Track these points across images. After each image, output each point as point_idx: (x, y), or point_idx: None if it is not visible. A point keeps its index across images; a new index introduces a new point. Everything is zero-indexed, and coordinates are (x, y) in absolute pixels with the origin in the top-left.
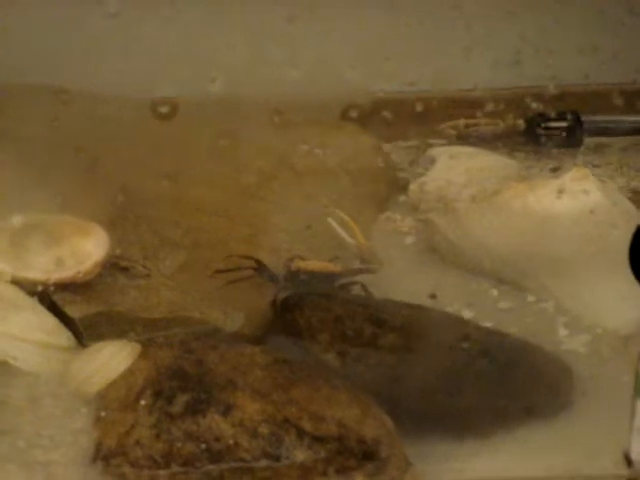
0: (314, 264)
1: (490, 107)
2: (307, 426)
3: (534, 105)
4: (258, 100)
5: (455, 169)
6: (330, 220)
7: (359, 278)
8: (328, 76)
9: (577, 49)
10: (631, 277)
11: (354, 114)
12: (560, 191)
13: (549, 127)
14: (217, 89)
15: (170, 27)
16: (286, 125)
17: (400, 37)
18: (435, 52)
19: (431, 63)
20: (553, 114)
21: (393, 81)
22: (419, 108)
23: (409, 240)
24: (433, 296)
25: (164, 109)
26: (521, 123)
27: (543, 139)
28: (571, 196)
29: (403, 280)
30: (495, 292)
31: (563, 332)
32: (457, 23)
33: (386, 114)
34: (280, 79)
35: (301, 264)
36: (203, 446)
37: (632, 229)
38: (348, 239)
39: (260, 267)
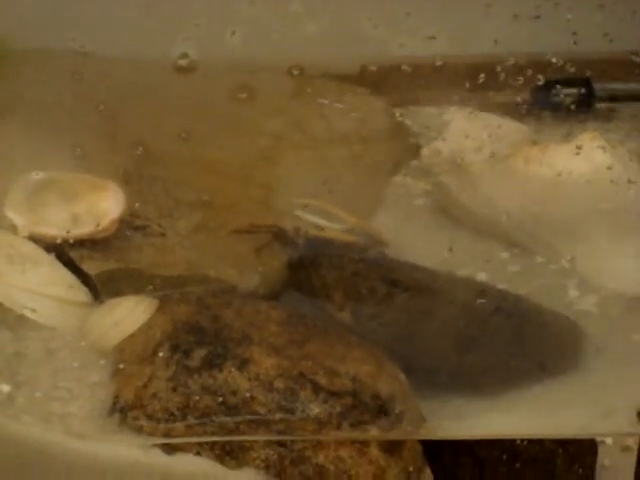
0: (330, 233)
1: (510, 63)
2: (322, 381)
3: (554, 60)
4: (277, 54)
5: (468, 133)
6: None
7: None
8: (347, 31)
9: (597, 5)
10: None
11: (373, 68)
12: (578, 147)
13: (559, 92)
14: (236, 43)
15: None
16: (303, 81)
17: None
18: (455, 7)
19: (451, 18)
20: (563, 79)
21: (412, 36)
22: (436, 69)
23: (421, 203)
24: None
25: (183, 63)
26: (540, 79)
27: (554, 104)
28: (588, 152)
29: (415, 242)
30: (507, 254)
31: (574, 293)
32: None
33: (400, 75)
34: (300, 33)
35: (317, 232)
36: (219, 399)
37: None
38: (338, 226)
39: (279, 232)
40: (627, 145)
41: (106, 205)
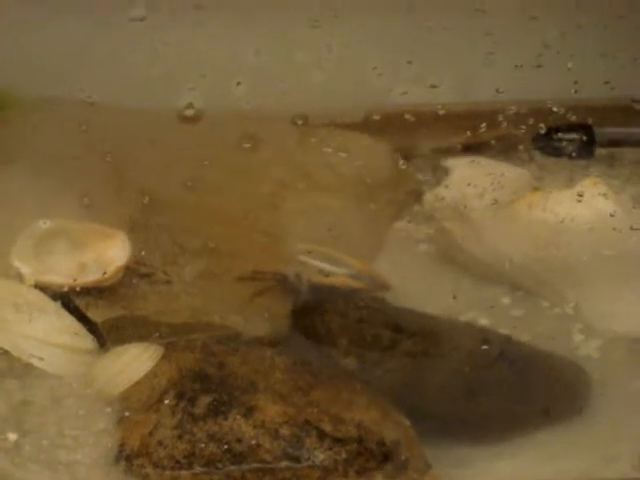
0: (334, 279)
1: (512, 111)
2: (328, 428)
3: (555, 109)
4: (282, 104)
5: (470, 179)
6: (310, 260)
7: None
8: (351, 80)
9: (598, 54)
10: None
11: (377, 117)
12: (579, 194)
13: (561, 139)
14: (242, 93)
15: (197, 32)
16: (307, 130)
17: (423, 41)
18: (457, 56)
19: (453, 66)
20: (564, 126)
21: (415, 84)
22: (438, 117)
23: (423, 249)
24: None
25: (189, 113)
26: (542, 127)
27: (556, 151)
28: (590, 199)
29: (418, 288)
30: (510, 299)
31: (578, 338)
32: (480, 28)
33: (403, 123)
34: (304, 83)
35: (321, 278)
36: (225, 447)
37: None
38: (342, 270)
39: (283, 279)
40: (629, 190)
41: (112, 253)
